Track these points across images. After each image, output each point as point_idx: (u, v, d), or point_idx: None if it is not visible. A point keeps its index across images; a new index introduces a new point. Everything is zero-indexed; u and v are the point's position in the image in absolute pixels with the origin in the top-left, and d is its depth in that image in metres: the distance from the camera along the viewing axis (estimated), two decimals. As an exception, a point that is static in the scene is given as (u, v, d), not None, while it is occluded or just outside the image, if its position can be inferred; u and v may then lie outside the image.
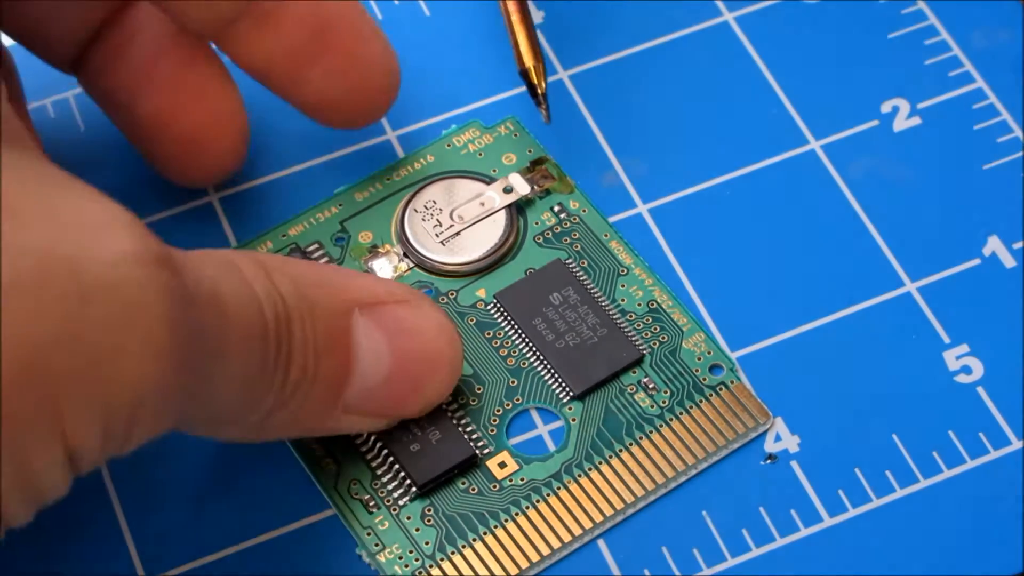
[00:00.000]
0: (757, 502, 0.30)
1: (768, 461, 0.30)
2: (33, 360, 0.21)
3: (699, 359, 0.31)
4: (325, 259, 0.33)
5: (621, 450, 0.30)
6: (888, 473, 0.30)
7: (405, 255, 0.32)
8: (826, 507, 0.30)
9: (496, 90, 0.35)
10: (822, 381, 0.31)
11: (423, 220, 0.33)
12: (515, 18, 0.33)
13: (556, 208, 0.33)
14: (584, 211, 0.33)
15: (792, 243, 0.33)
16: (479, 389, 0.31)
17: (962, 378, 0.31)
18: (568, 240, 0.33)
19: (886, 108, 0.35)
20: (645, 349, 0.31)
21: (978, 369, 0.31)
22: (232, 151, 0.32)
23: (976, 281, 0.32)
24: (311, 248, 0.33)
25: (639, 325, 0.32)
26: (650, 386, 0.31)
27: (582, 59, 0.36)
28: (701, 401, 0.31)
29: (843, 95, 0.35)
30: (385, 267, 0.32)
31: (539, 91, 0.33)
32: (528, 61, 0.33)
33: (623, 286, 0.32)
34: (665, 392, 0.31)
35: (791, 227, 0.33)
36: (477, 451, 0.30)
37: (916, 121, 0.35)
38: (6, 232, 0.22)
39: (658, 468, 0.30)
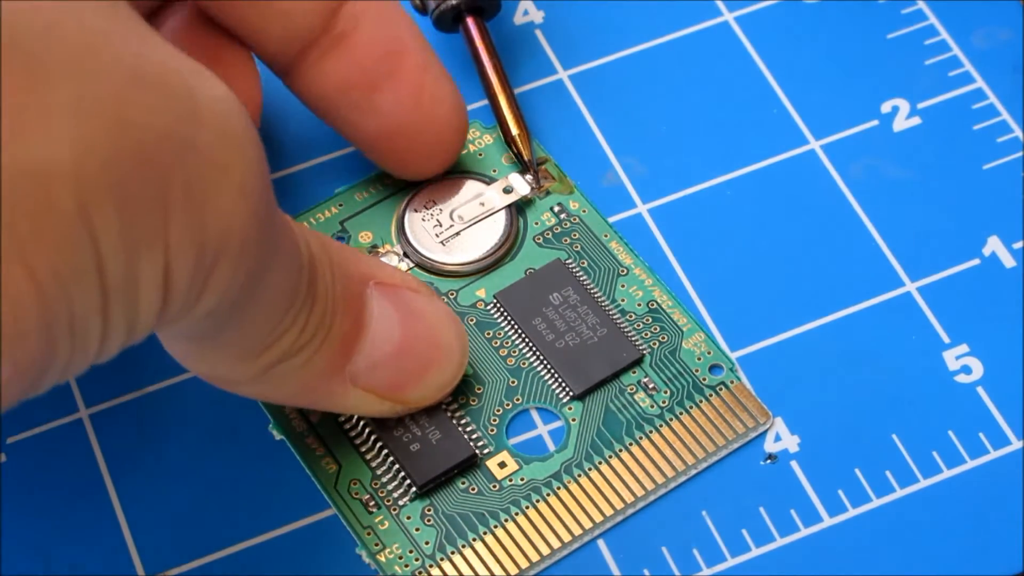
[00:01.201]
0: (757, 502, 0.30)
1: (768, 461, 0.30)
2: (151, 151, 0.22)
3: (699, 359, 0.31)
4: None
5: (621, 450, 0.30)
6: (888, 473, 0.30)
7: (405, 255, 0.32)
8: (826, 507, 0.30)
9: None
10: (822, 381, 0.31)
11: (423, 220, 0.33)
12: (497, 88, 0.34)
13: (556, 208, 0.33)
14: (584, 211, 0.33)
15: (792, 243, 0.33)
16: (479, 389, 0.31)
17: (962, 378, 0.31)
18: (568, 240, 0.33)
19: (886, 108, 0.35)
20: (645, 349, 0.31)
21: (978, 369, 0.31)
22: None
23: (976, 281, 0.32)
24: None
25: (639, 325, 0.32)
26: (650, 386, 0.31)
27: (582, 59, 0.36)
28: (701, 401, 0.31)
29: (843, 95, 0.35)
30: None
31: (525, 158, 0.33)
32: (514, 130, 0.33)
33: (623, 286, 0.32)
34: (665, 392, 0.31)
35: (791, 227, 0.33)
36: (477, 451, 0.30)
37: (916, 121, 0.35)
38: (132, 46, 0.22)
39: (658, 468, 0.30)
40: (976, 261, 0.33)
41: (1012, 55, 0.35)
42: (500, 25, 0.36)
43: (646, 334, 0.31)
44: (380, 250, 0.33)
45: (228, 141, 0.23)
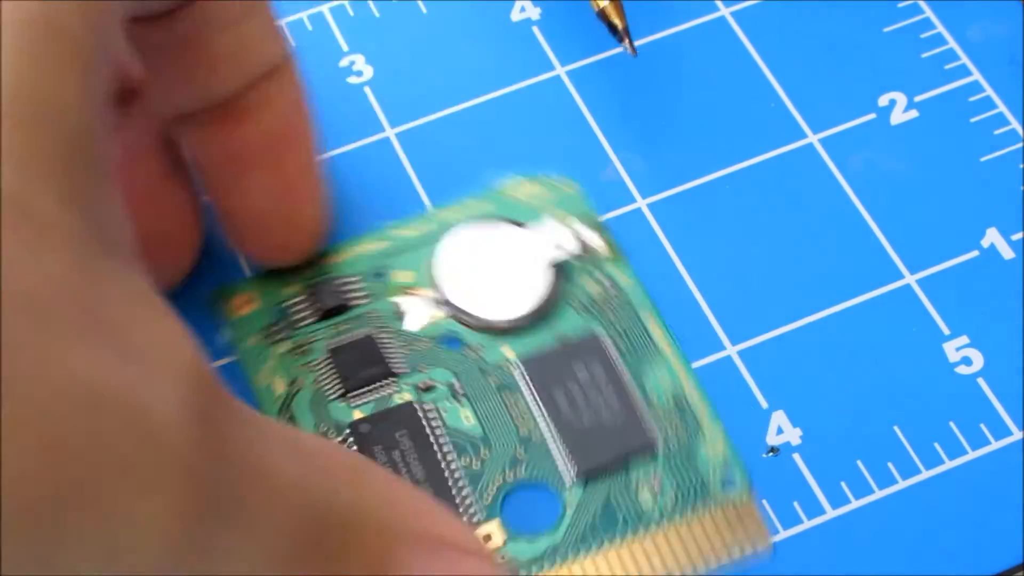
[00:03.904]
0: (760, 495, 0.30)
1: (770, 454, 0.30)
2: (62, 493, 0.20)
3: (713, 470, 0.30)
4: (364, 293, 0.32)
5: (609, 549, 0.29)
6: (890, 465, 0.30)
7: (438, 301, 0.32)
8: (829, 499, 0.30)
9: (494, 87, 0.35)
10: (823, 374, 0.31)
11: (459, 268, 0.32)
12: None
13: (599, 275, 0.32)
14: (629, 284, 0.32)
15: (791, 237, 0.33)
16: (484, 453, 0.30)
17: (962, 369, 0.31)
18: (607, 312, 0.32)
19: (883, 101, 0.35)
20: (660, 445, 0.30)
21: (978, 360, 0.31)
22: (175, 263, 0.32)
23: (975, 273, 0.32)
24: (353, 280, 0.32)
25: (661, 414, 0.30)
26: (656, 485, 0.30)
27: (579, 55, 0.36)
28: (705, 514, 0.29)
29: (840, 89, 0.35)
30: (419, 309, 0.32)
31: (619, 27, 0.33)
32: (602, 1, 0.33)
33: (653, 372, 0.31)
34: (670, 495, 0.30)
35: (790, 221, 0.33)
36: (466, 518, 0.29)
37: (913, 114, 0.35)
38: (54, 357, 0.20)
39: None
40: (975, 253, 0.33)
41: (1009, 48, 0.35)
42: (497, 22, 0.36)
43: (667, 430, 0.30)
44: (415, 291, 0.32)
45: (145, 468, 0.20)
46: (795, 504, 0.30)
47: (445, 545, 0.24)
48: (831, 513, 0.30)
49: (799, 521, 0.30)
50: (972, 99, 0.35)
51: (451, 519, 0.25)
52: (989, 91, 0.35)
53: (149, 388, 0.21)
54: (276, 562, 0.22)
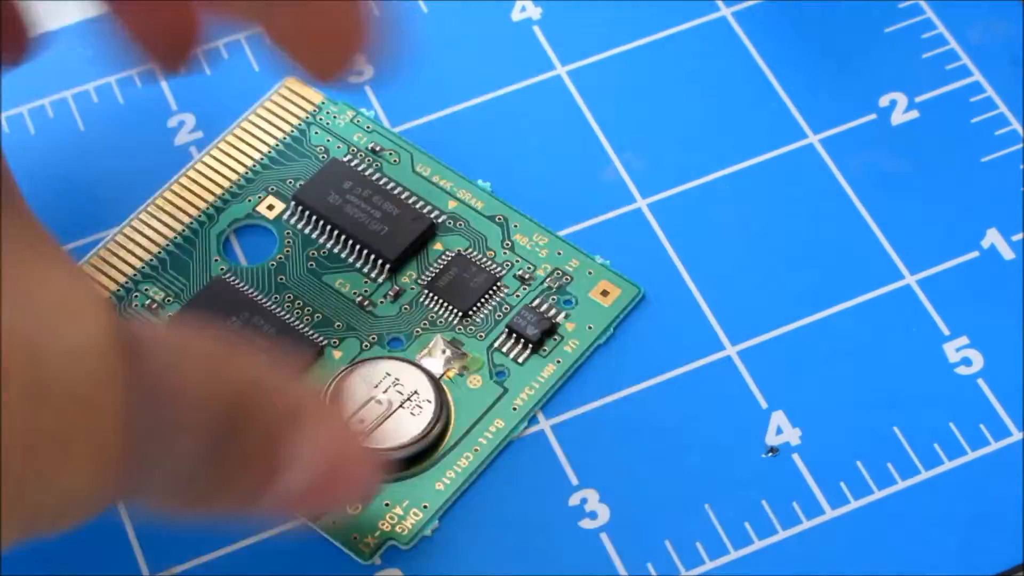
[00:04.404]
0: (759, 495, 0.30)
1: (770, 454, 0.30)
2: None
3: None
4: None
5: None
6: (889, 465, 0.30)
7: None
8: (828, 499, 0.30)
9: (494, 87, 0.35)
10: (823, 374, 0.31)
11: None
12: None
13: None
14: None
15: (791, 237, 0.33)
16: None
17: (962, 370, 0.31)
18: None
19: (884, 102, 0.35)
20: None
21: (978, 361, 0.31)
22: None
23: (975, 273, 0.32)
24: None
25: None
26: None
27: (580, 55, 0.36)
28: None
29: (841, 89, 0.35)
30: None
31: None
32: None
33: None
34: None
35: (790, 221, 0.33)
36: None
37: (914, 115, 0.35)
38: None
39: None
40: (975, 253, 0.33)
41: (1010, 48, 0.35)
42: (498, 22, 0.36)
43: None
44: None
45: (74, 415, 0.22)
46: (794, 504, 0.30)
47: (309, 414, 0.26)
48: (830, 513, 0.30)
49: (799, 521, 0.30)
50: (973, 100, 0.35)
51: (301, 385, 0.28)
52: (990, 92, 0.35)
53: (60, 332, 0.22)
54: (198, 462, 0.25)
